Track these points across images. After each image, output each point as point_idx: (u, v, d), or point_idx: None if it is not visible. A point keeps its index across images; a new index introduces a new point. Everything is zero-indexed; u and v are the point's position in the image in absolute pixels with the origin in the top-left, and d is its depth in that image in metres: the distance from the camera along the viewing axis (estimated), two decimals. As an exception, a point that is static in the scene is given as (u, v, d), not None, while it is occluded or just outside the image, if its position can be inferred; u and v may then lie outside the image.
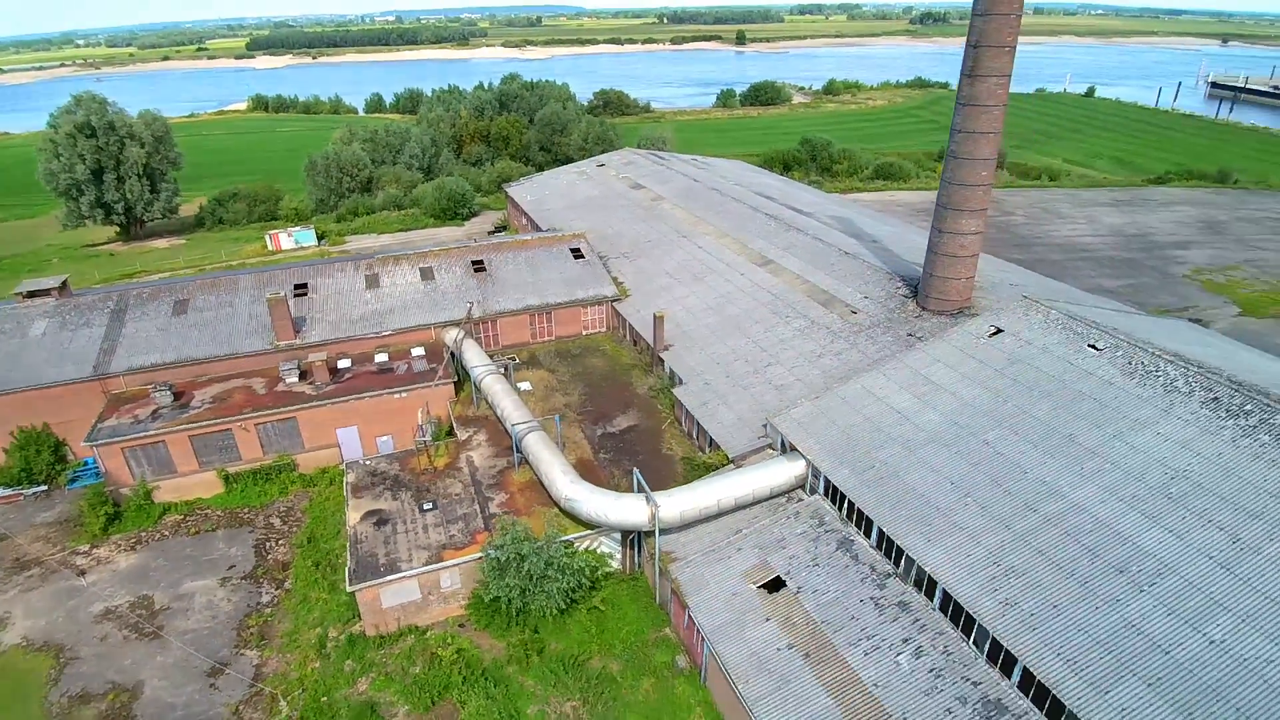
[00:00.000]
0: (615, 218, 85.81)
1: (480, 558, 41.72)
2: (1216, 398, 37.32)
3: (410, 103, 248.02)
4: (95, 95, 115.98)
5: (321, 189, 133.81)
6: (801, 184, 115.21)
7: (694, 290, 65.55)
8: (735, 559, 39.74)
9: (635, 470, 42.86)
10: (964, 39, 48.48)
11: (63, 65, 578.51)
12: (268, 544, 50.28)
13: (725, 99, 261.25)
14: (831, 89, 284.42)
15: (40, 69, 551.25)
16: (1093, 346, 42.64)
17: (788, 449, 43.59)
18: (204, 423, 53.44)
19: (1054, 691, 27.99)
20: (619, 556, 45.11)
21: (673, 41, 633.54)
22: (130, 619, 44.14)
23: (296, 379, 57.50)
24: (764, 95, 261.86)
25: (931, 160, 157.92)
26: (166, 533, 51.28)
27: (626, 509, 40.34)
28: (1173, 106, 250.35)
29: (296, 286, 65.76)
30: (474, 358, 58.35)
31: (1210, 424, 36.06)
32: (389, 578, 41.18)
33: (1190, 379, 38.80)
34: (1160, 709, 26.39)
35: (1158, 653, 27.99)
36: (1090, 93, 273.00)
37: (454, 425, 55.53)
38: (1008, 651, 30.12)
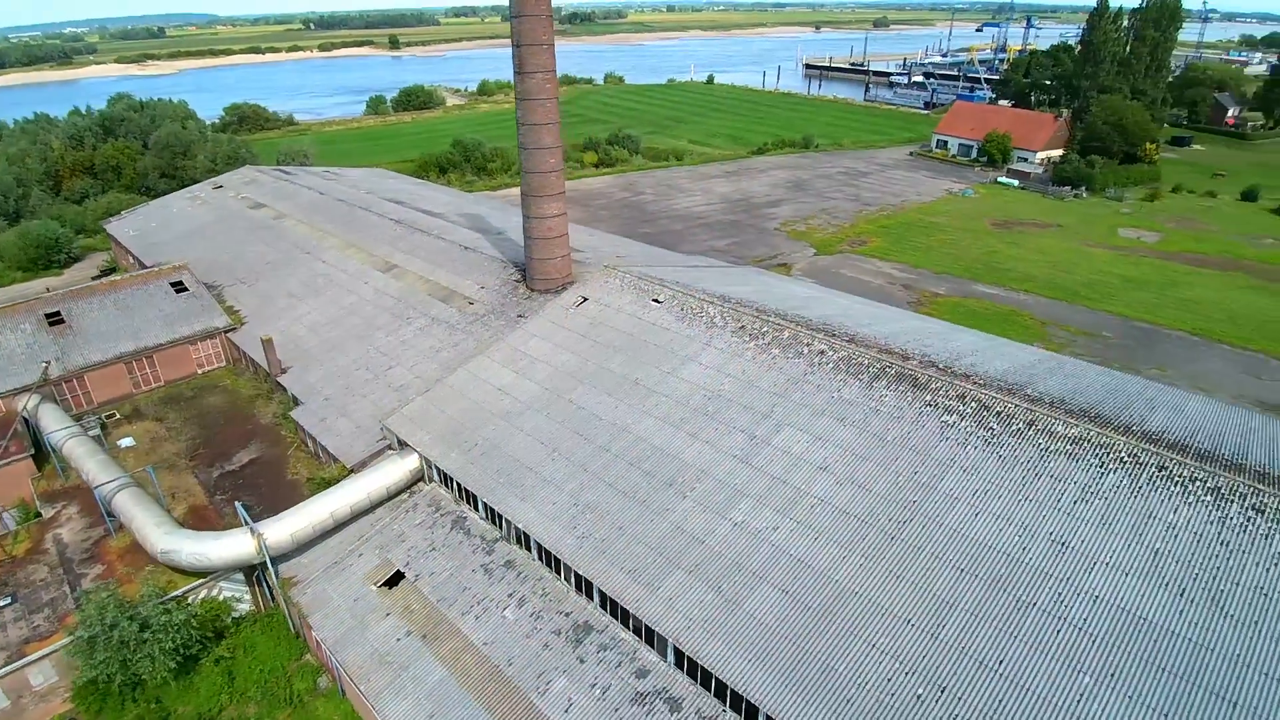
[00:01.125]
0: (232, 241, 79.58)
1: (70, 641, 37.10)
2: (743, 326, 45.14)
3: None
4: None
5: None
6: (436, 185, 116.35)
7: (316, 306, 63.36)
8: (357, 565, 39.81)
9: (238, 504, 40.75)
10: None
11: None
12: None
13: (376, 105, 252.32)
14: (485, 89, 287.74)
15: None
16: (656, 300, 49.12)
17: (402, 446, 44.44)
18: None
19: (618, 601, 32.32)
20: (248, 597, 42.73)
21: (321, 48, 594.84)
22: None
23: None
24: (417, 99, 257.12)
25: (578, 150, 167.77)
26: None
27: (228, 547, 38.27)
28: (775, 87, 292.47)
29: None
30: (52, 423, 50.91)
31: (738, 348, 43.59)
32: (-52, 698, 35.04)
33: (725, 314, 46.44)
34: (697, 589, 31.72)
35: (695, 544, 33.52)
36: (710, 80, 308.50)
37: (38, 505, 48.21)
38: (586, 579, 34.07)
